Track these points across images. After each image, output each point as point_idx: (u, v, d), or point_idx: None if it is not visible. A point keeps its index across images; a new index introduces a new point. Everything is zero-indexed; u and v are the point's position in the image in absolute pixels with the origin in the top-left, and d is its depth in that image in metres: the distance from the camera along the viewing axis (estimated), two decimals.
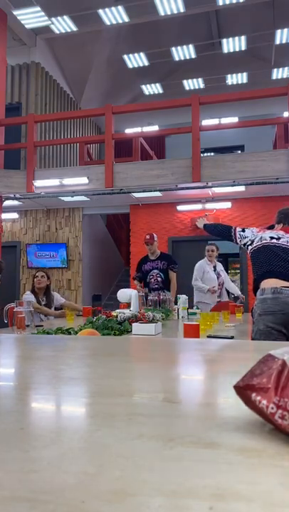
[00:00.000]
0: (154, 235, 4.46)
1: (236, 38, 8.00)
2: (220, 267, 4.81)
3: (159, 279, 4.29)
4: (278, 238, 2.37)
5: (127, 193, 6.27)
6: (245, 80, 9.44)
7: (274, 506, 0.27)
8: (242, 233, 2.57)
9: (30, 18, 6.83)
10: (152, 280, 4.31)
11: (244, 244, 2.55)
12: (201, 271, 4.69)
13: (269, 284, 2.18)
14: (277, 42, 7.97)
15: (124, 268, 9.48)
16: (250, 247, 2.49)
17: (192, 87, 9.70)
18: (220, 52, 8.63)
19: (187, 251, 7.34)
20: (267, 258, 2.31)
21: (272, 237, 2.39)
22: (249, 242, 2.50)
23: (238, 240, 2.59)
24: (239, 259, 7.43)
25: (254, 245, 2.45)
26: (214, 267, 4.72)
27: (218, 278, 4.66)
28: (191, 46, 8.26)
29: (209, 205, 6.97)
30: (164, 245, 7.29)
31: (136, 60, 8.76)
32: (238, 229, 2.62)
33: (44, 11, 6.68)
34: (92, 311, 3.34)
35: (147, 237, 4.41)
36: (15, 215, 7.79)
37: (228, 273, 5.33)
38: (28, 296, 3.79)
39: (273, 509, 0.27)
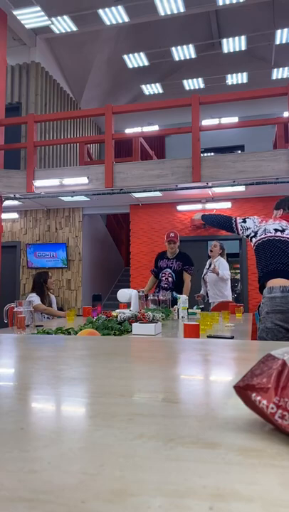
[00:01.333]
0: (178, 234, 4.23)
1: (236, 38, 8.00)
2: (219, 265, 4.57)
3: (170, 279, 4.12)
4: (283, 230, 2.29)
5: (127, 193, 6.27)
6: (245, 80, 9.44)
7: (274, 506, 0.27)
8: (243, 224, 2.46)
9: (30, 18, 6.83)
10: (163, 279, 4.15)
11: (247, 236, 2.44)
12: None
13: (277, 282, 2.15)
14: (277, 42, 7.97)
15: (124, 268, 9.49)
16: (254, 240, 2.38)
17: (192, 87, 9.70)
18: (220, 52, 8.63)
19: (187, 251, 7.31)
20: (272, 255, 2.23)
21: (276, 230, 2.30)
22: (252, 234, 2.40)
23: (240, 232, 2.47)
24: (239, 259, 7.41)
25: (258, 238, 2.34)
26: (209, 265, 4.59)
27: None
28: (191, 46, 8.26)
29: (209, 205, 6.97)
30: (164, 245, 7.29)
31: (136, 60, 8.76)
32: (239, 220, 2.50)
33: (44, 11, 6.68)
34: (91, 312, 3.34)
35: (172, 234, 4.15)
36: (15, 215, 7.79)
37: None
38: (34, 298, 3.78)
39: (273, 509, 0.27)
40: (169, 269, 4.16)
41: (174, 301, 3.46)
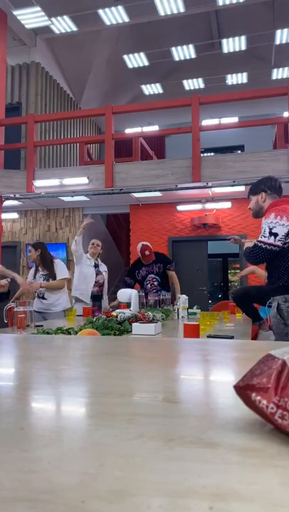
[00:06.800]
0: (149, 246, 4.16)
1: (236, 38, 8.00)
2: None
3: (155, 283, 4.13)
4: None
5: (127, 193, 6.27)
6: (245, 80, 9.44)
7: (274, 506, 0.27)
8: (279, 237, 2.04)
9: (30, 18, 6.83)
10: (149, 285, 4.15)
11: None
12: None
13: None
14: (277, 42, 7.97)
15: (124, 268, 9.48)
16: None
17: (192, 87, 9.70)
18: (220, 52, 8.63)
19: (187, 251, 7.34)
20: None
21: None
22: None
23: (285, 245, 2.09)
24: (239, 259, 7.42)
25: None
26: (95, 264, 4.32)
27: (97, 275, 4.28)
28: (191, 46, 8.26)
29: (209, 205, 6.97)
30: (163, 245, 7.30)
31: (136, 60, 8.77)
32: (271, 239, 2.03)
33: (44, 11, 6.68)
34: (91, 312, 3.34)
35: (146, 253, 4.10)
36: (15, 215, 7.79)
37: (227, 273, 5.14)
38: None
39: (273, 509, 0.27)
40: (152, 274, 4.15)
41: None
